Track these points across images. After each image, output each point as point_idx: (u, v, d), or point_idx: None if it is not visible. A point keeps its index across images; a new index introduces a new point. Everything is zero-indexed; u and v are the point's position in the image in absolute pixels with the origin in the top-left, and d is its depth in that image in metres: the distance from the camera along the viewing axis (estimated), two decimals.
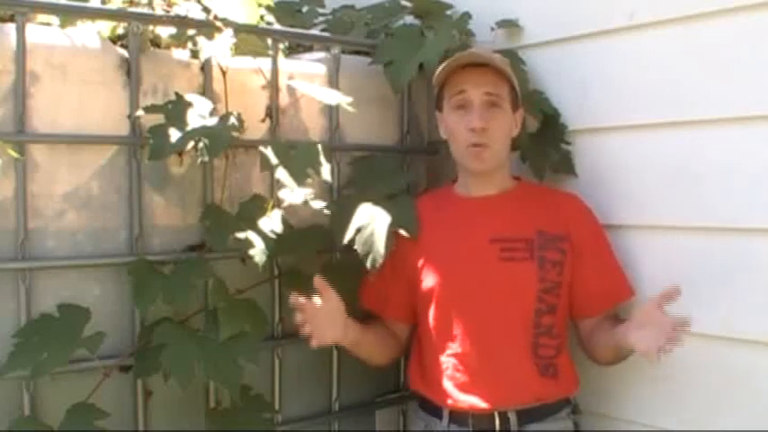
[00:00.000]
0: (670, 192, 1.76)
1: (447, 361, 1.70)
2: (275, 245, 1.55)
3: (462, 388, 1.67)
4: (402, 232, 1.72)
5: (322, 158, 1.63)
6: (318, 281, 1.64)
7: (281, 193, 1.61)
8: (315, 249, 1.75)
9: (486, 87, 1.69)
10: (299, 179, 1.59)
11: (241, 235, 1.54)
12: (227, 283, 1.63)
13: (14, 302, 1.49)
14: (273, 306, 1.79)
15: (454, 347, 1.69)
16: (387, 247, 1.68)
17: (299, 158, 1.63)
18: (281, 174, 1.58)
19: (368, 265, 1.68)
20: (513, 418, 1.66)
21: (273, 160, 1.59)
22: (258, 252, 1.52)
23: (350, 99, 1.73)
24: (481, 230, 1.72)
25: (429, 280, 1.72)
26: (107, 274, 1.59)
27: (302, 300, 1.62)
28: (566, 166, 1.94)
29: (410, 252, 1.75)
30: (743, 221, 1.65)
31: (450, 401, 1.68)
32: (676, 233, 1.76)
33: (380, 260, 1.68)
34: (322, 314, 1.64)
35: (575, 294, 1.74)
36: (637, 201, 1.82)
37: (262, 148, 1.61)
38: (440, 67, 1.72)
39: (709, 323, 1.69)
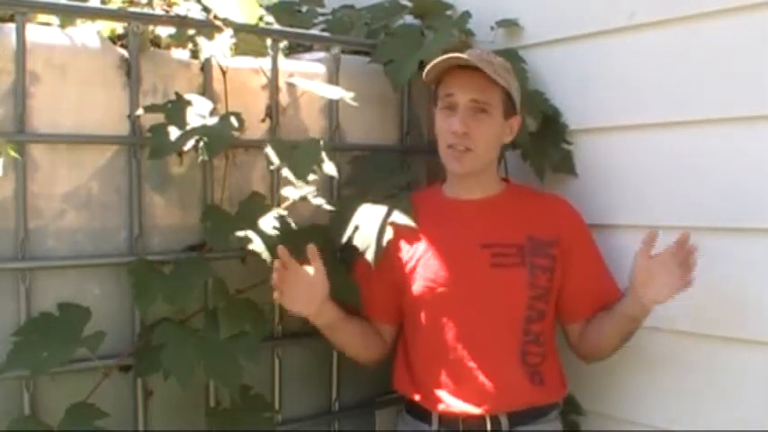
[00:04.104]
0: (670, 192, 1.76)
1: (438, 366, 1.69)
2: (276, 244, 1.55)
3: (455, 394, 1.66)
4: (399, 221, 1.70)
5: (324, 155, 1.63)
6: (312, 249, 1.60)
7: (284, 191, 1.61)
8: None
9: (474, 93, 1.67)
10: (303, 175, 1.59)
11: (241, 234, 1.54)
12: (227, 283, 1.63)
13: (14, 302, 1.49)
14: (273, 306, 1.79)
15: (445, 353, 1.68)
16: (379, 239, 1.66)
17: (301, 156, 1.63)
18: (286, 171, 1.58)
19: (368, 257, 1.66)
20: (504, 421, 1.65)
21: (277, 159, 1.59)
22: (263, 250, 1.52)
23: (352, 94, 1.73)
24: (472, 235, 1.71)
25: (419, 284, 1.71)
26: (107, 274, 1.59)
27: (289, 258, 1.58)
28: (566, 165, 1.94)
29: (397, 252, 1.74)
30: (743, 221, 1.65)
31: (442, 406, 1.66)
32: (676, 233, 1.76)
33: (378, 253, 1.65)
34: (303, 282, 1.60)
35: (564, 299, 1.74)
36: (637, 201, 1.82)
37: (265, 148, 1.61)
38: (429, 64, 1.69)
39: (709, 323, 1.69)
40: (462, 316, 1.68)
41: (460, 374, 1.67)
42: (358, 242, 1.69)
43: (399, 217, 1.72)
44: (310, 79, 1.81)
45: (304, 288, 1.61)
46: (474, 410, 1.64)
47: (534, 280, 1.69)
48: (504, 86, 1.68)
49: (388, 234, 1.69)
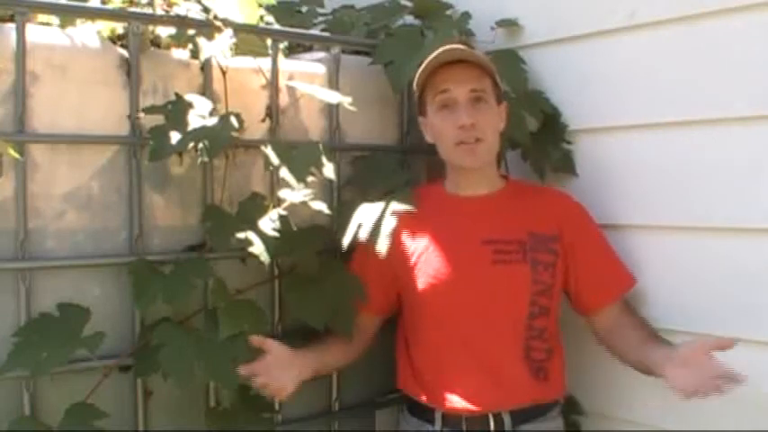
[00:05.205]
0: (670, 192, 1.76)
1: (441, 364, 1.69)
2: (276, 245, 1.55)
3: (458, 392, 1.66)
4: (400, 208, 1.69)
5: (324, 157, 1.63)
6: (255, 339, 1.57)
7: (281, 193, 1.61)
8: (315, 249, 1.74)
9: (471, 84, 1.67)
10: (301, 177, 1.59)
11: (242, 235, 1.54)
12: (226, 283, 1.63)
13: (14, 302, 1.48)
14: (273, 306, 1.79)
15: (448, 351, 1.69)
16: (385, 227, 1.65)
17: (300, 157, 1.63)
18: (284, 172, 1.58)
19: (379, 248, 1.63)
20: (506, 419, 1.66)
21: (275, 159, 1.59)
22: (262, 251, 1.52)
23: (350, 99, 1.73)
24: (473, 232, 1.71)
25: (420, 281, 1.71)
26: (107, 274, 1.58)
27: (248, 366, 1.54)
28: (566, 165, 1.94)
29: (399, 247, 1.73)
30: (743, 221, 1.65)
31: (446, 404, 1.67)
32: (676, 233, 1.76)
33: (386, 239, 1.63)
34: (274, 366, 1.57)
35: (578, 291, 1.74)
36: (637, 201, 1.82)
37: (263, 148, 1.61)
38: (420, 68, 1.69)
39: (709, 323, 1.69)
40: (464, 313, 1.68)
41: (463, 373, 1.67)
42: (364, 237, 1.67)
43: (399, 204, 1.69)
44: (310, 79, 1.81)
45: (279, 369, 1.58)
46: (476, 408, 1.65)
47: (537, 276, 1.68)
48: (491, 74, 1.69)
49: (392, 222, 1.66)
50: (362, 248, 1.70)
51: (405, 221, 1.69)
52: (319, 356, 1.70)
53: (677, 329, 1.74)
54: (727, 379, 1.47)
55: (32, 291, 1.50)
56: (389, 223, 1.66)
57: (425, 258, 1.72)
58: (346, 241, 1.68)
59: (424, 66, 1.68)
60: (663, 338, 1.69)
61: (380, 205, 1.71)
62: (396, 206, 1.69)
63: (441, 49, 1.65)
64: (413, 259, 1.73)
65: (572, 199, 1.80)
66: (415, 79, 1.72)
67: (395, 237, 1.70)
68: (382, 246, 1.64)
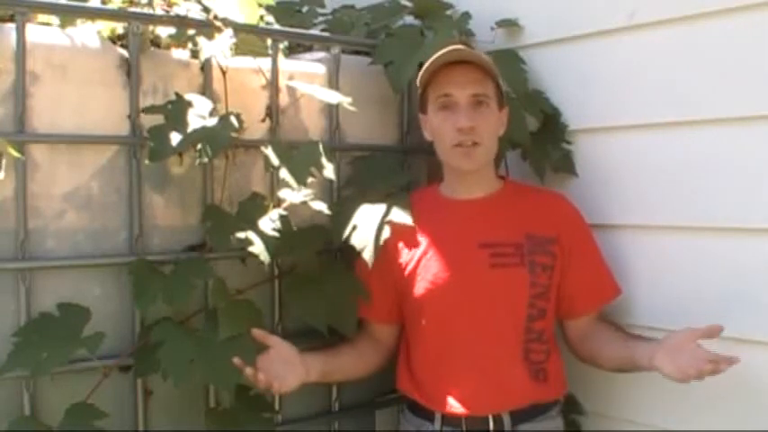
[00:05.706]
0: (670, 192, 1.76)
1: (440, 367, 1.69)
2: (276, 245, 1.55)
3: (456, 394, 1.66)
4: (397, 220, 1.71)
5: (324, 158, 1.63)
6: (257, 332, 1.59)
7: (281, 193, 1.61)
8: (315, 249, 1.75)
9: (472, 88, 1.67)
10: (301, 178, 1.59)
11: (242, 235, 1.54)
12: (227, 283, 1.63)
13: (14, 302, 1.48)
14: (273, 306, 1.79)
15: (447, 354, 1.68)
16: (377, 239, 1.67)
17: (301, 158, 1.63)
18: (284, 173, 1.58)
19: (365, 257, 1.66)
20: (506, 419, 1.66)
21: (275, 160, 1.59)
22: (262, 251, 1.52)
23: (350, 99, 1.73)
24: (470, 235, 1.71)
25: (419, 286, 1.71)
26: (107, 274, 1.58)
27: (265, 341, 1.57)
28: (566, 165, 1.94)
29: (397, 254, 1.74)
30: (743, 221, 1.65)
31: (445, 407, 1.66)
32: (676, 233, 1.76)
33: (375, 252, 1.66)
34: (277, 361, 1.59)
35: (561, 295, 1.74)
36: (636, 201, 1.82)
37: (263, 148, 1.61)
38: (423, 67, 1.69)
39: (709, 323, 1.68)
40: (463, 317, 1.68)
41: (462, 375, 1.67)
42: (355, 242, 1.69)
43: (397, 216, 1.72)
44: (310, 79, 1.81)
45: (282, 364, 1.60)
46: (476, 410, 1.65)
47: (535, 278, 1.68)
48: (494, 78, 1.69)
49: (386, 233, 1.69)
50: (362, 260, 1.70)
51: (402, 229, 1.71)
52: (329, 359, 1.71)
53: (676, 330, 1.74)
54: (720, 361, 1.48)
55: (32, 291, 1.50)
56: (382, 235, 1.67)
57: (423, 263, 1.71)
58: (340, 239, 1.69)
59: (428, 64, 1.67)
60: (645, 336, 1.70)
61: (377, 213, 1.72)
62: (392, 218, 1.70)
63: (446, 49, 1.65)
64: (411, 265, 1.73)
65: (570, 202, 1.80)
66: (419, 76, 1.72)
67: (392, 244, 1.71)
68: (369, 257, 1.66)
